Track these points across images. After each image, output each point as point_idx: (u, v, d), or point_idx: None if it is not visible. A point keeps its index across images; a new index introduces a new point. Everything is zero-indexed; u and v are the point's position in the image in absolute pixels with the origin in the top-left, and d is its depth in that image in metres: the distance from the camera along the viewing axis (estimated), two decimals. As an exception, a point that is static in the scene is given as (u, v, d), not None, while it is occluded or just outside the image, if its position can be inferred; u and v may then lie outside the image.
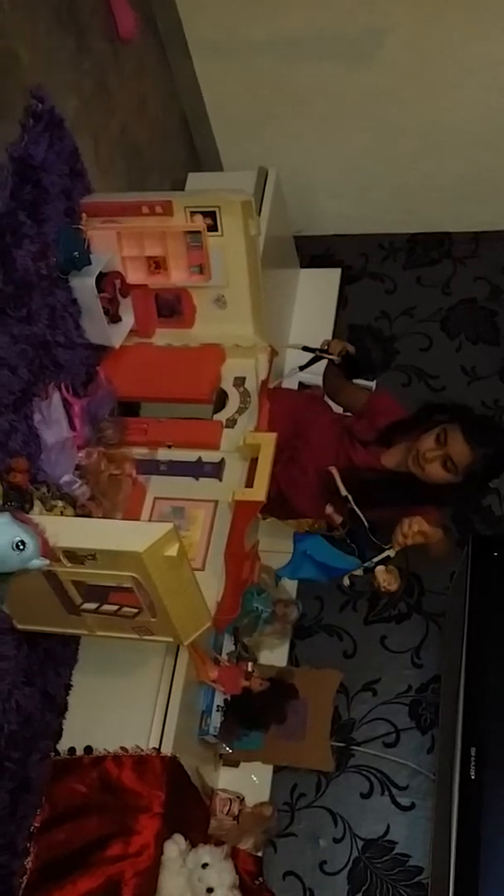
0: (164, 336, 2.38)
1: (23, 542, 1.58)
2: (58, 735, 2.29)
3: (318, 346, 2.66)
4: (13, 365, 1.92)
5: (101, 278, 2.14)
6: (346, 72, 3.12)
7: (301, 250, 3.57)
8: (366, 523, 2.35)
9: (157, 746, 2.23)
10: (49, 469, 2.02)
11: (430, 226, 3.67)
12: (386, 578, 2.26)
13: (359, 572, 2.31)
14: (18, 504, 1.77)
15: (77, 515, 1.97)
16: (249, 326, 2.33)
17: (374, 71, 3.09)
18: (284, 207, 3.21)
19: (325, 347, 2.63)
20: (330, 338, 2.70)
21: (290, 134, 3.36)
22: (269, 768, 2.78)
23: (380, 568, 2.26)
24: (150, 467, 2.26)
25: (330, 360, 2.63)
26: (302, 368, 2.73)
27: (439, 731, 2.71)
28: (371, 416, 2.55)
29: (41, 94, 2.02)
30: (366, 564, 2.29)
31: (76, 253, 2.06)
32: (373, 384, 3.34)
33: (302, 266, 3.60)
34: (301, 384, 3.33)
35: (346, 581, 2.37)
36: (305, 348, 2.67)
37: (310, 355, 2.67)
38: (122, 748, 2.23)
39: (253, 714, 2.58)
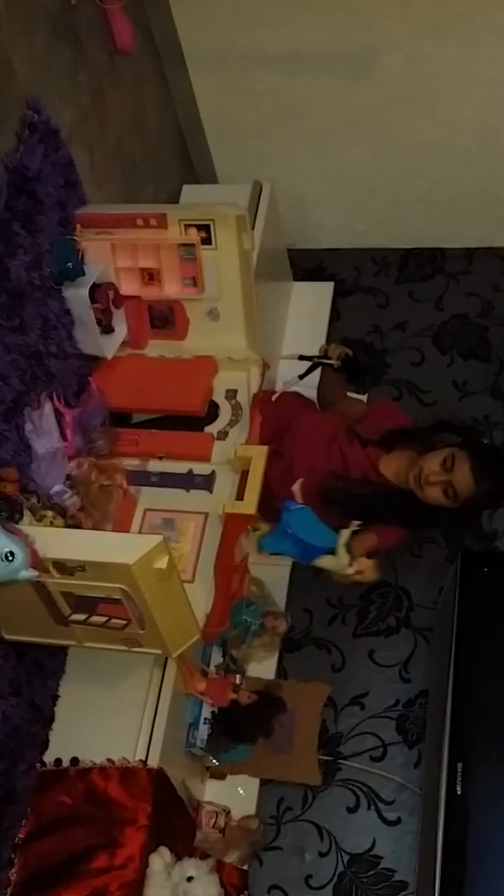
0: (156, 347, 2.38)
1: (12, 553, 1.58)
2: (44, 746, 2.29)
3: (314, 354, 2.65)
4: (5, 374, 1.92)
5: (95, 289, 2.14)
6: (343, 87, 3.13)
7: (294, 264, 3.58)
8: None
9: (144, 758, 2.22)
10: (39, 479, 2.02)
11: (423, 241, 3.68)
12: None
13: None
14: (8, 514, 1.77)
15: (67, 526, 1.97)
16: (242, 339, 2.34)
17: (370, 86, 3.10)
18: (278, 221, 3.22)
19: (324, 353, 2.62)
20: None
21: (285, 148, 3.37)
22: (255, 781, 2.77)
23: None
24: (141, 478, 2.27)
25: (328, 367, 2.61)
26: (302, 377, 2.69)
27: (426, 746, 2.71)
28: (375, 419, 2.54)
29: (37, 105, 2.02)
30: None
31: (70, 264, 2.06)
32: (364, 398, 3.35)
33: (295, 279, 3.60)
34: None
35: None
36: (302, 357, 2.65)
37: (307, 364, 2.65)
38: (109, 760, 2.22)
39: (240, 727, 2.58)
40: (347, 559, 2.16)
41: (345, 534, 2.16)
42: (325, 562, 2.18)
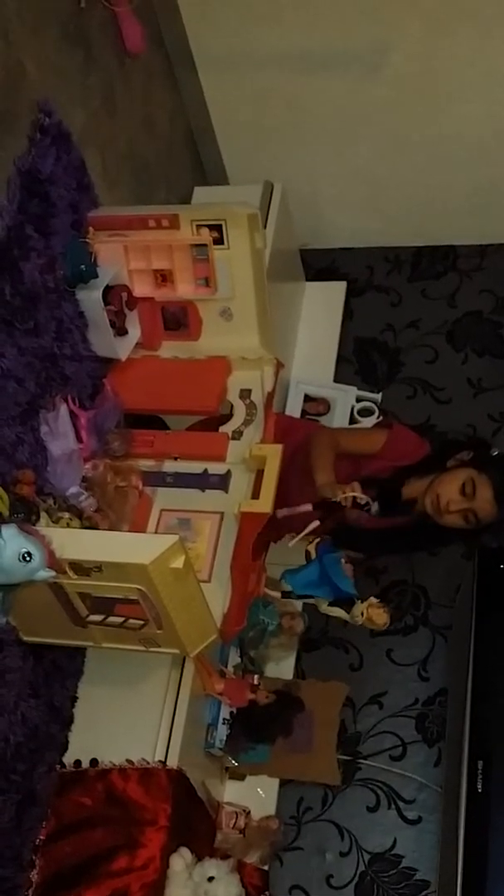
0: (170, 348, 2.38)
1: (29, 554, 1.58)
2: (64, 747, 2.28)
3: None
4: (20, 377, 1.93)
5: (108, 291, 2.14)
6: (353, 85, 3.13)
7: (306, 263, 3.59)
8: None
9: (163, 759, 2.22)
10: (55, 481, 2.02)
11: (435, 239, 3.68)
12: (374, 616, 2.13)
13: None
14: (25, 516, 1.77)
15: (83, 527, 1.97)
16: (255, 339, 2.33)
17: (381, 85, 3.10)
18: (290, 221, 3.22)
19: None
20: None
21: (295, 148, 3.37)
22: (275, 781, 2.77)
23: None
24: (157, 479, 2.27)
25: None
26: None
27: (446, 745, 2.70)
28: (390, 456, 2.40)
29: (48, 108, 2.02)
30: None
31: (83, 266, 2.06)
32: (378, 396, 3.35)
33: (307, 279, 3.61)
34: (307, 396, 3.33)
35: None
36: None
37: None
38: (128, 761, 2.22)
39: (259, 727, 2.57)
40: (361, 619, 2.12)
41: (360, 606, 2.11)
42: (337, 612, 2.16)
